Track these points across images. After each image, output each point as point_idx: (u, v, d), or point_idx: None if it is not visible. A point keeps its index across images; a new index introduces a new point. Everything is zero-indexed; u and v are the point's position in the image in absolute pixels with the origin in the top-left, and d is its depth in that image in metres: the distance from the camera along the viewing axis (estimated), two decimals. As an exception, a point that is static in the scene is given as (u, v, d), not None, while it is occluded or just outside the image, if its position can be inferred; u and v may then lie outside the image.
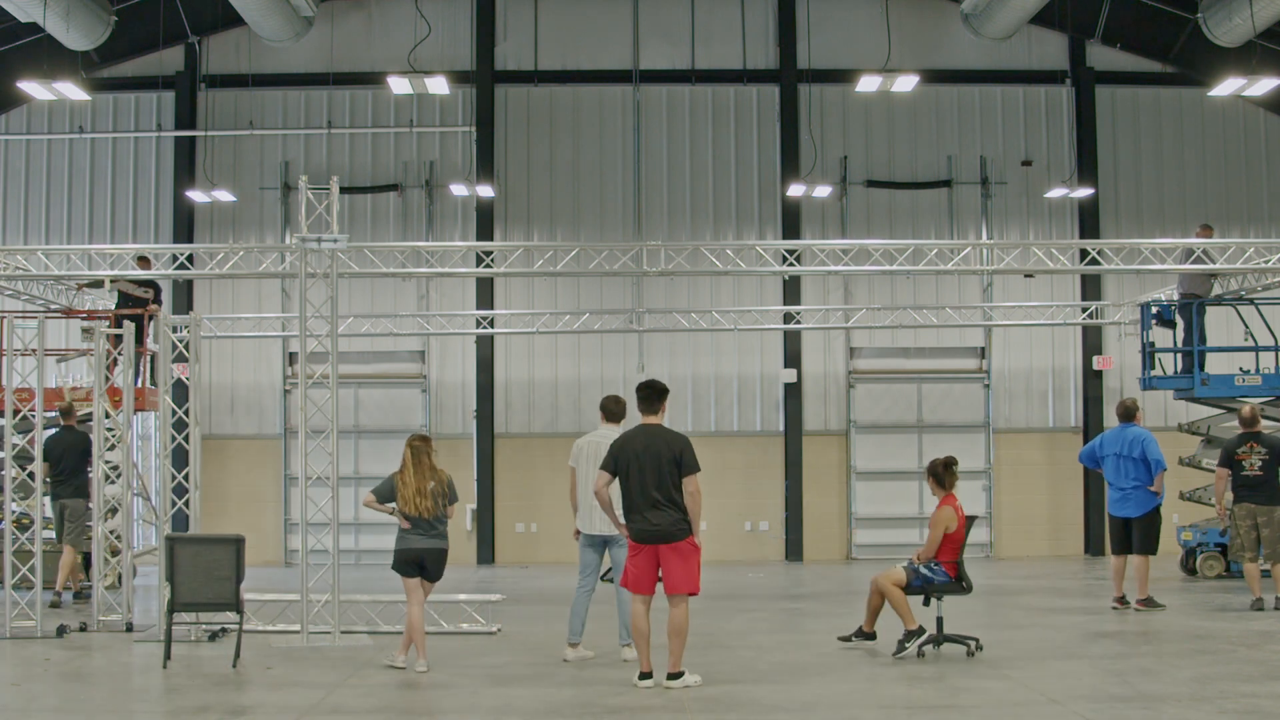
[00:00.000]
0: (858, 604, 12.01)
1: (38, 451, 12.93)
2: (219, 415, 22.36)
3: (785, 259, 18.19)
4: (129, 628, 12.85)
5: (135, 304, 16.81)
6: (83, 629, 12.86)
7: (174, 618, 11.00)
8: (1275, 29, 20.29)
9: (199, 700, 9.43)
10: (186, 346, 13.43)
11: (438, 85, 18.92)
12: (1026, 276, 22.03)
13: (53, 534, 16.61)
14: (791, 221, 22.48)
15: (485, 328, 22.14)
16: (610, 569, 11.04)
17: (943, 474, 11.37)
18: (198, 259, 17.22)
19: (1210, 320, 17.81)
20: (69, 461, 14.83)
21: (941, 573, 11.12)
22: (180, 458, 13.10)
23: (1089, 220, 22.61)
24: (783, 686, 9.72)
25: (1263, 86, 18.05)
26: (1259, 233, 22.46)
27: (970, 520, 11.34)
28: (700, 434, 21.96)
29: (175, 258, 17.16)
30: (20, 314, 16.19)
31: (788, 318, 21.94)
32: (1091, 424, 22.06)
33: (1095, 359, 22.54)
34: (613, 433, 10.81)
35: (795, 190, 21.91)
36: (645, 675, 9.61)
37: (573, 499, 10.97)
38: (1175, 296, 18.39)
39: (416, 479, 10.56)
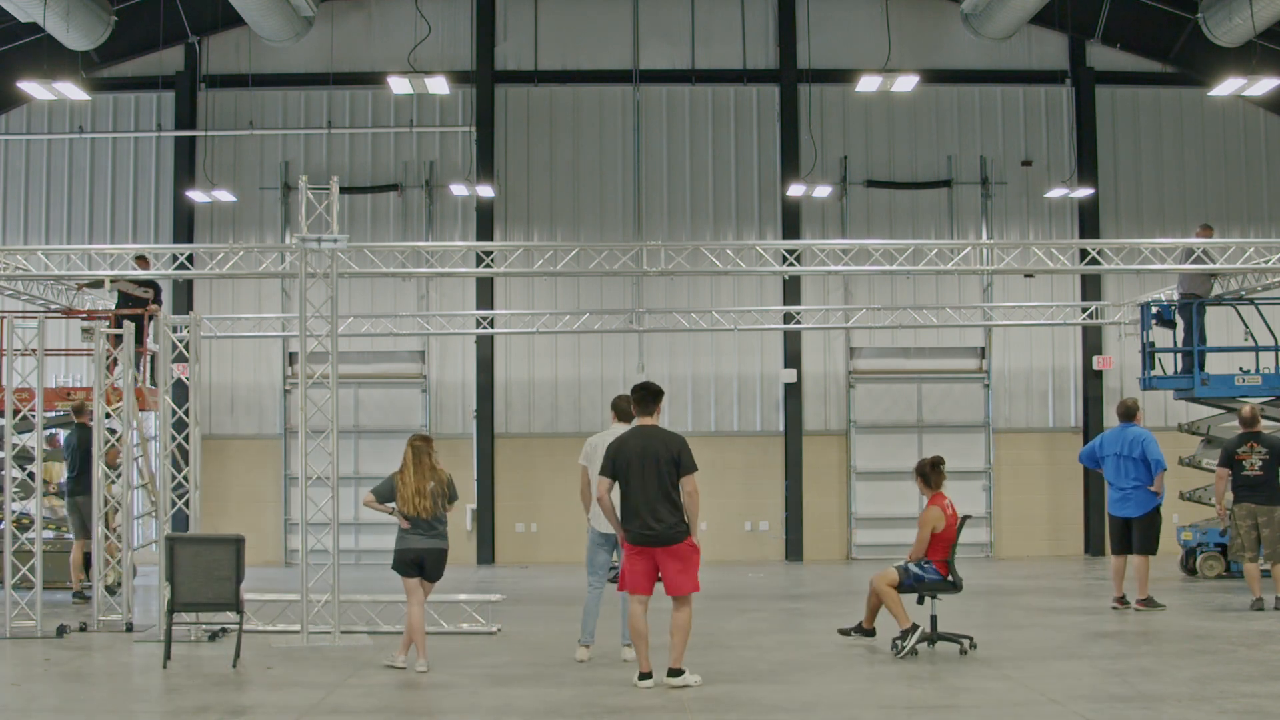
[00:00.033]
0: (858, 604, 12.03)
1: (38, 451, 12.92)
2: (219, 415, 22.36)
3: (785, 259, 18.19)
4: (129, 628, 12.84)
5: (135, 304, 16.81)
6: (83, 629, 12.86)
7: (174, 618, 11.00)
8: (1275, 29, 20.29)
9: (199, 700, 9.43)
10: (186, 346, 13.43)
11: (438, 85, 18.92)
12: (1026, 276, 22.04)
13: (52, 534, 16.72)
14: (791, 221, 22.48)
15: (485, 328, 22.14)
16: (616, 568, 11.03)
17: (930, 474, 11.42)
18: (198, 259, 17.22)
19: (1210, 320, 17.81)
20: (80, 459, 14.87)
21: (933, 571, 11.19)
22: (180, 457, 13.10)
23: (1089, 220, 22.62)
24: (783, 686, 9.72)
25: (1263, 86, 18.05)
26: (1259, 233, 22.46)
27: (963, 519, 11.37)
28: (700, 434, 21.97)
29: (175, 258, 17.16)
30: (20, 314, 16.18)
31: (788, 318, 21.94)
32: (1091, 424, 22.06)
33: (1095, 359, 22.54)
34: (621, 430, 10.80)
35: (795, 190, 21.91)
36: (645, 675, 9.61)
37: (584, 498, 10.93)
38: (1175, 296, 18.39)
39: (416, 479, 10.56)
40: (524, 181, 22.92)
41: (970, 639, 11.14)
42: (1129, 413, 14.12)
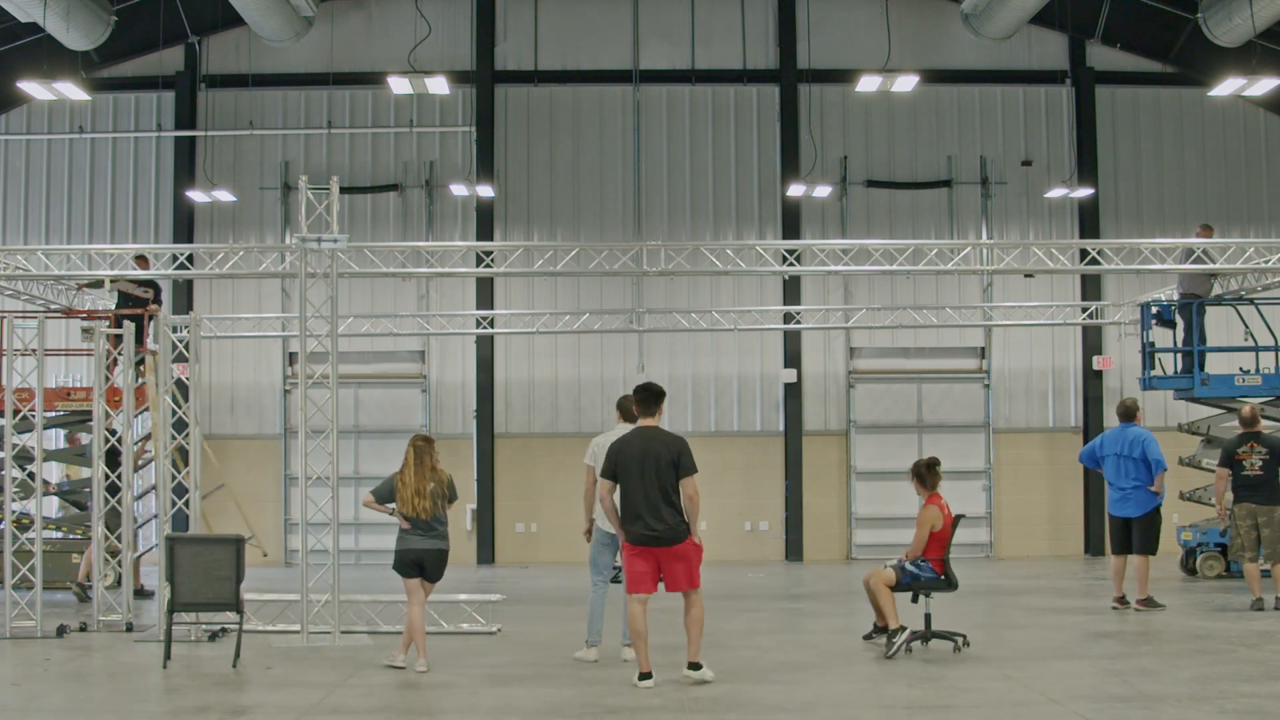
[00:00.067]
0: (858, 604, 12.04)
1: (38, 452, 12.92)
2: (219, 415, 22.36)
3: (785, 259, 18.18)
4: (129, 628, 12.85)
5: (135, 304, 16.81)
6: (83, 629, 12.86)
7: (174, 618, 11.00)
8: (1275, 29, 20.29)
9: (199, 700, 9.43)
10: (186, 346, 13.43)
11: (438, 85, 18.93)
12: (1026, 276, 22.04)
13: (53, 534, 16.75)
14: (791, 221, 22.49)
15: (485, 328, 22.14)
16: (618, 568, 11.03)
17: (926, 475, 11.50)
18: (198, 259, 17.22)
19: (1210, 320, 17.81)
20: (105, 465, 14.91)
21: (929, 570, 11.30)
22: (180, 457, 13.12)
23: (1089, 220, 22.62)
24: (783, 686, 9.72)
25: (1263, 86, 18.05)
26: (1259, 233, 22.46)
27: (957, 519, 11.50)
28: (700, 434, 21.97)
29: (175, 258, 17.16)
30: (20, 314, 16.18)
31: (788, 318, 21.94)
32: (1091, 424, 22.06)
33: (1095, 359, 22.54)
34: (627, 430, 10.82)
35: (795, 190, 21.91)
36: (645, 675, 9.62)
37: (588, 497, 10.92)
38: (1175, 296, 18.39)
39: (416, 480, 10.56)
40: (524, 181, 22.92)
41: (963, 636, 11.21)
42: (1129, 413, 14.12)
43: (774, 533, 22.48)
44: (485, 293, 22.30)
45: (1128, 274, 20.33)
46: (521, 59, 23.03)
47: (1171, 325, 18.04)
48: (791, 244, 18.49)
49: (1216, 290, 18.18)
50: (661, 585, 9.71)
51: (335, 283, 12.80)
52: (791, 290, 22.28)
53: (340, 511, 12.54)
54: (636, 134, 22.93)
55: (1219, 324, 18.42)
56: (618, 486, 9.68)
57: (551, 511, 21.82)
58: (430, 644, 10.91)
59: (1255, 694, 9.07)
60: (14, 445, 13.94)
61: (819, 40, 22.60)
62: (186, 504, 13.07)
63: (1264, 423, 14.68)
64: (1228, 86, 17.99)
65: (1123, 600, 13.92)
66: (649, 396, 9.89)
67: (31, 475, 13.41)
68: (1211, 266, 16.86)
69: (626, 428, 10.79)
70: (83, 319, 17.14)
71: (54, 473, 18.35)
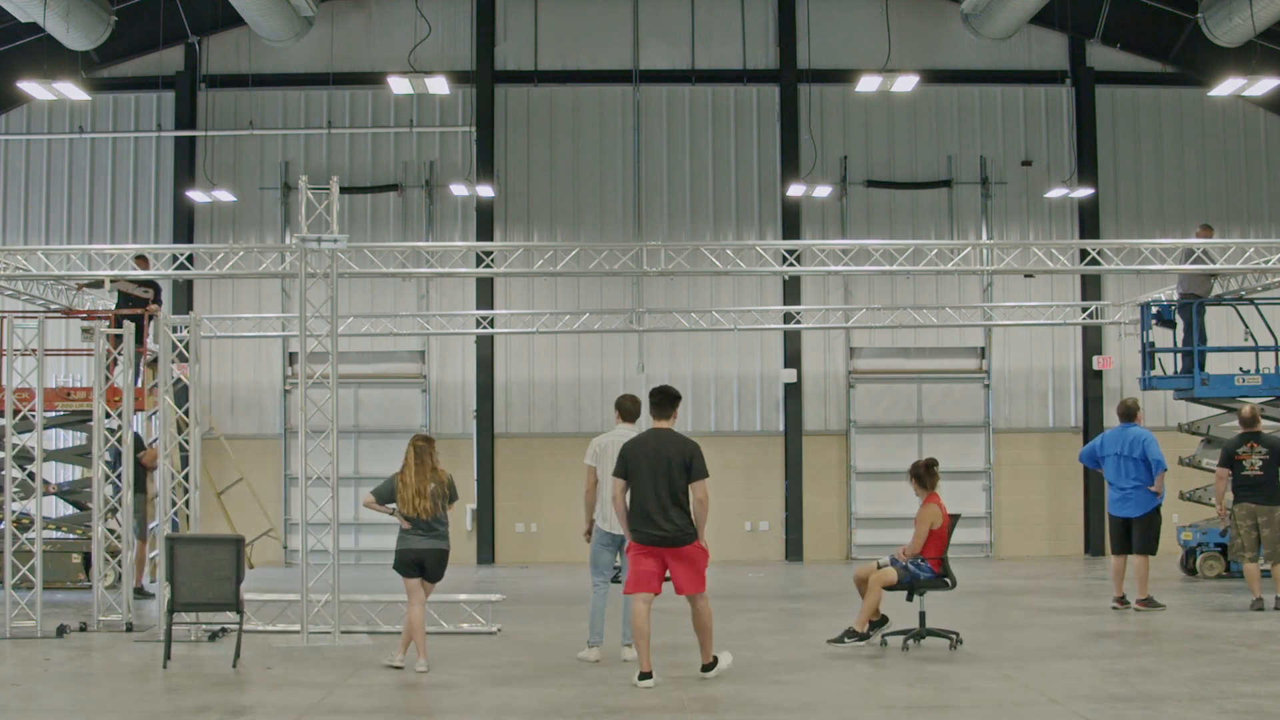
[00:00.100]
0: (857, 604, 12.00)
1: (38, 452, 12.92)
2: (219, 415, 22.33)
3: (785, 259, 18.18)
4: (129, 628, 12.84)
5: (135, 304, 16.81)
6: (83, 629, 12.86)
7: (174, 618, 11.00)
8: (1275, 29, 20.29)
9: (199, 700, 9.43)
10: (186, 346, 13.43)
11: (438, 85, 18.93)
12: (1026, 276, 22.04)
13: (54, 533, 16.77)
14: (791, 221, 22.48)
15: (485, 328, 22.14)
16: (618, 568, 11.04)
17: (924, 475, 11.61)
18: (198, 259, 17.22)
19: (1210, 320, 17.81)
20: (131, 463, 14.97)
21: (926, 568, 11.41)
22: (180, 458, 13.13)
23: (1089, 220, 22.62)
24: (783, 686, 9.72)
25: (1263, 86, 18.05)
26: (1259, 233, 22.46)
27: (955, 518, 11.60)
28: (700, 434, 21.96)
29: (175, 258, 17.16)
30: (20, 314, 16.19)
31: (788, 318, 21.94)
32: (1091, 424, 22.06)
33: (1095, 359, 22.54)
34: (629, 431, 10.85)
35: (795, 190, 21.91)
36: (645, 675, 9.63)
37: (589, 498, 10.93)
38: (1175, 296, 18.39)
39: (417, 480, 10.55)
40: (524, 181, 22.92)
41: (957, 634, 11.29)
42: (1129, 413, 14.12)
43: (774, 533, 22.48)
44: (485, 293, 22.30)
45: (1128, 274, 20.33)
46: (521, 59, 23.03)
47: (1171, 325, 18.05)
48: (791, 244, 18.49)
49: (1217, 290, 18.18)
50: (667, 587, 9.74)
51: (335, 283, 12.80)
52: (791, 290, 22.28)
53: (340, 511, 12.54)
54: (636, 134, 22.93)
55: (1219, 324, 18.43)
56: (628, 487, 9.73)
57: (551, 511, 21.82)
58: (430, 644, 10.92)
59: (1255, 694, 9.07)
60: (14, 445, 13.93)
61: (819, 40, 22.60)
62: (187, 504, 13.05)
63: (1264, 423, 14.68)
64: (1228, 86, 17.98)
65: (1123, 600, 13.92)
66: (665, 399, 9.96)
67: (31, 475, 13.40)
68: (1211, 267, 16.86)
69: (626, 427, 10.84)
70: (83, 319, 17.15)
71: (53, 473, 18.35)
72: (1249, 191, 23.16)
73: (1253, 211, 23.06)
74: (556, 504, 21.40)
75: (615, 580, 11.07)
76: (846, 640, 11.30)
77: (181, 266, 17.04)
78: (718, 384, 22.64)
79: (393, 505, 10.66)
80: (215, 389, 22.16)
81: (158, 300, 17.34)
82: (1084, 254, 17.63)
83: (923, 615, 11.40)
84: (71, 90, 17.95)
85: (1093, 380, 22.56)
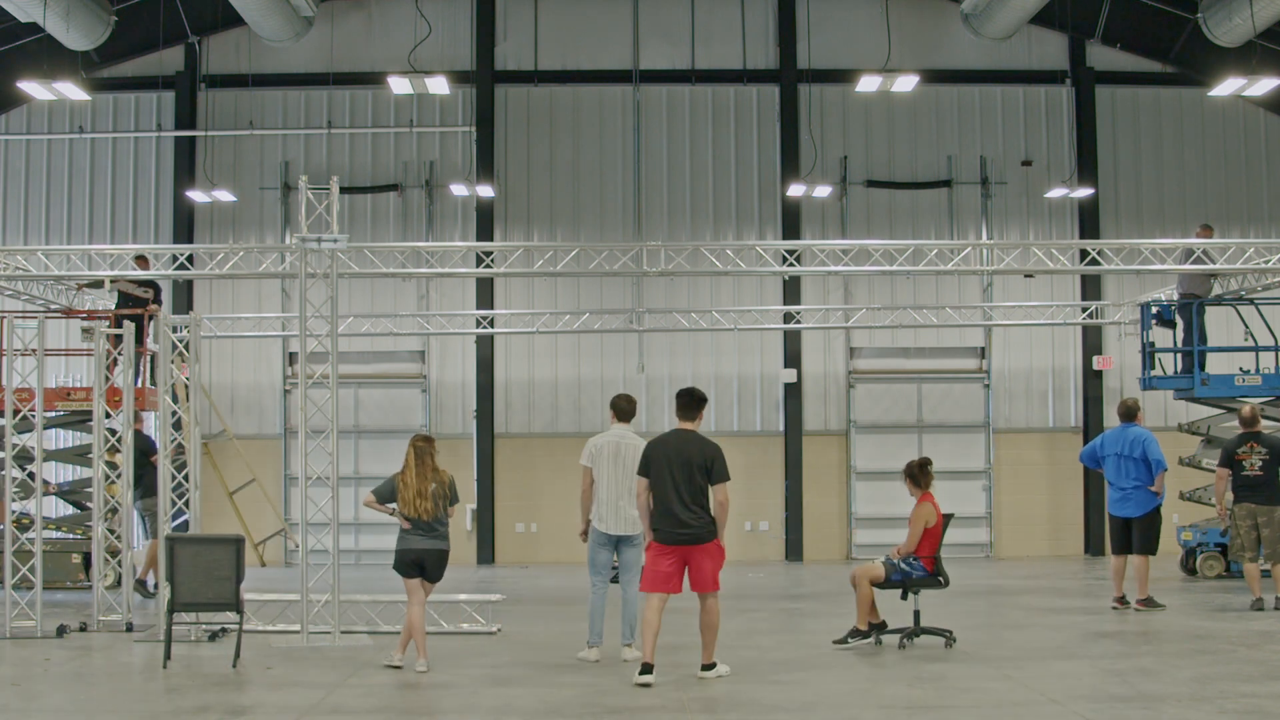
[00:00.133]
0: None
1: (38, 452, 12.92)
2: (214, 418, 22.33)
3: (785, 259, 18.18)
4: (129, 628, 12.85)
5: (135, 304, 16.81)
6: (83, 629, 12.86)
7: (174, 618, 11.00)
8: (1275, 29, 20.28)
9: (199, 700, 9.43)
10: (186, 346, 13.43)
11: (438, 85, 18.93)
12: (1026, 276, 22.03)
13: (54, 533, 16.78)
14: (791, 221, 22.48)
15: (485, 328, 22.14)
16: (617, 569, 11.05)
17: (918, 475, 11.70)
18: (198, 259, 17.22)
19: (1210, 320, 17.81)
20: (135, 465, 14.99)
21: (919, 567, 11.51)
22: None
23: (1089, 220, 22.62)
24: (783, 686, 9.73)
25: (1263, 86, 18.05)
26: (1259, 233, 22.46)
27: (948, 518, 11.69)
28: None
29: (175, 258, 17.16)
30: (20, 314, 16.19)
31: (788, 318, 21.94)
32: (1091, 424, 22.06)
33: (1095, 359, 22.54)
34: (625, 432, 10.86)
35: (795, 190, 21.91)
36: (646, 668, 9.68)
37: (585, 499, 10.95)
38: (1175, 296, 18.39)
39: (418, 481, 10.55)
40: (524, 181, 22.92)
41: (950, 633, 11.38)
42: (1130, 413, 14.12)
43: (774, 533, 22.48)
44: (485, 293, 22.30)
45: (1128, 274, 20.33)
46: (521, 59, 23.03)
47: (1171, 325, 18.05)
48: (791, 244, 18.49)
49: (1217, 290, 18.18)
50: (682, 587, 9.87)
51: (335, 283, 12.79)
52: (791, 290, 22.28)
53: (340, 511, 12.54)
54: (636, 134, 22.93)
55: (1219, 324, 18.42)
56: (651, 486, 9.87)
57: (551, 511, 21.82)
58: (430, 644, 10.92)
59: (1255, 694, 9.07)
60: (14, 445, 13.93)
61: (819, 40, 22.60)
62: (186, 504, 13.05)
63: (1264, 423, 14.67)
64: (1228, 86, 17.98)
65: (1123, 600, 13.92)
66: (691, 401, 10.12)
67: (31, 475, 13.40)
68: (1211, 267, 16.87)
69: (621, 427, 10.90)
70: (83, 319, 17.15)
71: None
72: (1249, 191, 23.16)
73: (1253, 211, 23.06)
74: (556, 504, 21.39)
75: (614, 580, 11.08)
76: (851, 640, 11.38)
77: (181, 266, 17.05)
78: (718, 384, 22.63)
79: (393, 505, 10.65)
80: (215, 389, 22.15)
81: (158, 300, 17.34)
82: (1084, 254, 17.63)
83: (917, 614, 11.48)
84: (71, 90, 17.95)
85: (1093, 380, 22.56)
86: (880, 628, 11.57)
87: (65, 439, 19.29)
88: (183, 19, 22.14)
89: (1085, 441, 19.67)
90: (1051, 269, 17.17)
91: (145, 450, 15.00)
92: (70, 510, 17.98)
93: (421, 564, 10.61)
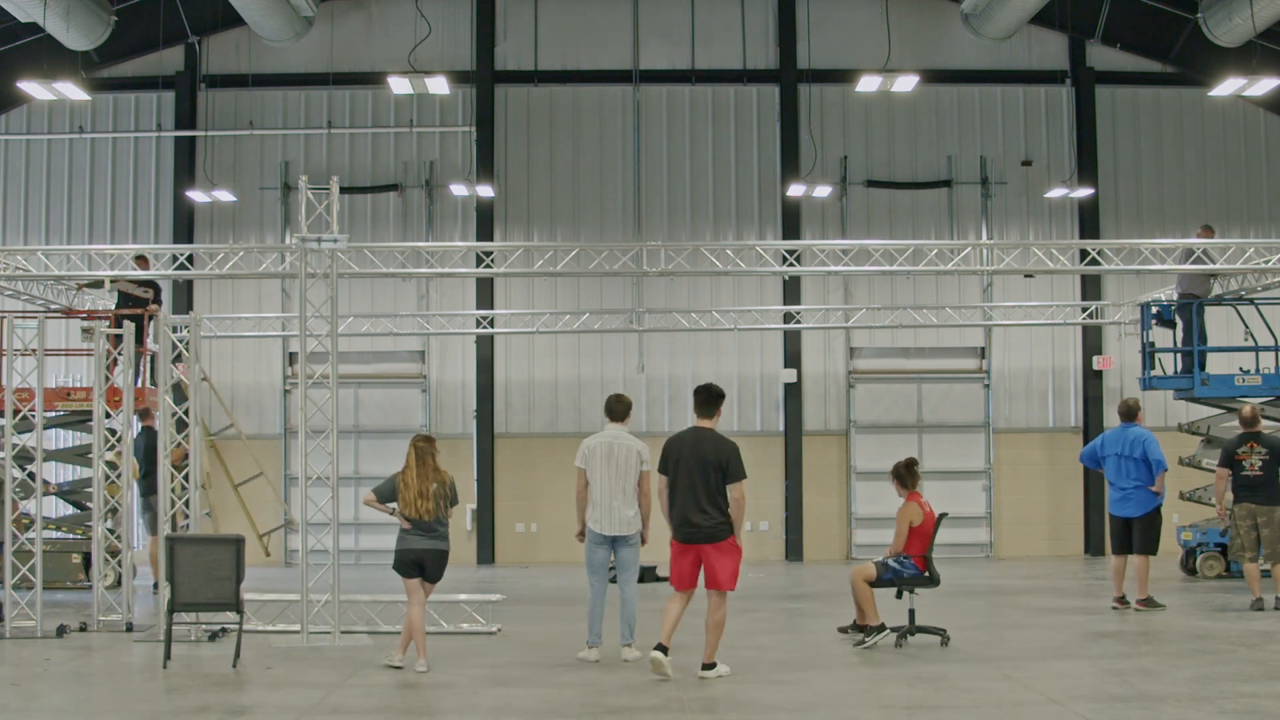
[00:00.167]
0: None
1: (38, 452, 12.92)
2: (219, 415, 22.28)
3: (785, 259, 18.18)
4: (129, 628, 12.85)
5: (135, 304, 16.82)
6: (83, 629, 12.86)
7: (174, 618, 11.00)
8: (1275, 29, 20.29)
9: (199, 700, 9.42)
10: (186, 346, 13.43)
11: (438, 85, 18.93)
12: (1026, 276, 22.04)
13: (54, 533, 16.79)
14: (791, 221, 22.49)
15: (485, 328, 22.14)
16: (614, 568, 11.06)
17: (905, 475, 11.83)
18: (198, 259, 17.22)
19: (1210, 320, 17.81)
20: (148, 462, 15.03)
21: (911, 566, 11.61)
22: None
23: (1089, 220, 22.62)
24: (783, 686, 9.73)
25: (1263, 86, 18.05)
26: (1259, 233, 22.47)
27: (941, 517, 11.78)
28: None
29: (175, 258, 17.16)
30: (20, 314, 16.20)
31: (788, 318, 21.94)
32: (1091, 424, 22.06)
33: (1095, 359, 22.54)
34: (619, 432, 10.87)
35: (795, 190, 21.91)
36: (660, 647, 9.82)
37: (579, 500, 10.96)
38: (1174, 296, 18.39)
39: (419, 481, 10.54)
40: (524, 181, 22.92)
41: (944, 631, 11.46)
42: (1130, 412, 14.12)
43: (774, 533, 22.48)
44: (485, 293, 22.30)
45: (1128, 274, 20.33)
46: (521, 59, 23.03)
47: (1171, 325, 18.05)
48: (791, 244, 18.49)
49: (1217, 290, 18.18)
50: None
51: (335, 283, 12.79)
52: (791, 290, 22.28)
53: (340, 511, 12.54)
54: (636, 134, 22.93)
55: (1219, 324, 18.42)
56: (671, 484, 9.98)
57: (551, 511, 21.81)
58: (430, 644, 10.92)
59: (1255, 694, 9.07)
60: (14, 445, 13.93)
61: (819, 40, 22.60)
62: (186, 504, 13.05)
63: (1264, 423, 14.67)
64: (1228, 86, 17.98)
65: (1123, 600, 13.92)
66: (709, 398, 10.18)
67: (31, 475, 13.41)
68: (1211, 267, 16.87)
69: (616, 428, 10.92)
70: (83, 319, 17.15)
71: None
72: (1249, 191, 23.16)
73: (1253, 211, 23.07)
74: (556, 504, 21.37)
75: (612, 580, 11.08)
76: (867, 640, 11.33)
77: (181, 266, 17.05)
78: (718, 384, 22.57)
79: (393, 505, 10.65)
80: (216, 389, 22.11)
81: (158, 300, 17.35)
82: (1084, 254, 17.63)
83: (912, 613, 11.58)
84: (71, 90, 17.95)
85: (1093, 380, 22.56)
86: (879, 629, 11.58)
87: (65, 439, 19.29)
88: (183, 19, 22.15)
89: (1085, 441, 19.68)
90: (1051, 269, 17.17)
91: (155, 447, 14.93)
92: (70, 510, 17.99)
93: (421, 564, 10.61)
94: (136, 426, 15.63)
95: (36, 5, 18.58)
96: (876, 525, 22.34)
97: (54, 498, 17.38)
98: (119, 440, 13.75)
